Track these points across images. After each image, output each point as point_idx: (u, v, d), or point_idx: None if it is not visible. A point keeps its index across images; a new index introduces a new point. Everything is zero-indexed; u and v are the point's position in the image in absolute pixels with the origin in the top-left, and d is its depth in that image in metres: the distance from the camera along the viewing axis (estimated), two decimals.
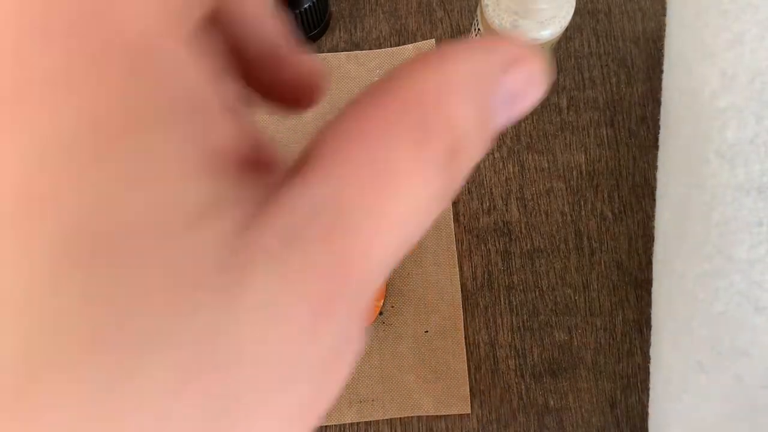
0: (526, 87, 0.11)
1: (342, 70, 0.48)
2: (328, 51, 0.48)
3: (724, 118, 0.37)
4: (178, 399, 0.08)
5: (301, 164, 0.10)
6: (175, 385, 0.08)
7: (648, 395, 0.42)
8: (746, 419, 0.35)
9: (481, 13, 0.40)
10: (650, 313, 0.40)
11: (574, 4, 0.39)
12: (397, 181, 0.10)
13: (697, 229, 0.37)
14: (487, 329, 0.44)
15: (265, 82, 0.14)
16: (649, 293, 0.43)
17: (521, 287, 0.44)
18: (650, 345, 0.40)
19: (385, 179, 0.10)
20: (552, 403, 0.43)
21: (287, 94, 0.14)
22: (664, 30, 0.42)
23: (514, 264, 0.45)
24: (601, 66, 0.48)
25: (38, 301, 0.08)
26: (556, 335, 0.44)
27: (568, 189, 0.46)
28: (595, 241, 0.45)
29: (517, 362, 0.43)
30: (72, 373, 0.08)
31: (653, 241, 0.41)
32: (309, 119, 0.47)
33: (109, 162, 0.08)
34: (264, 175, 0.10)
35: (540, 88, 0.11)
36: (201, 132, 0.09)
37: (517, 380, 0.43)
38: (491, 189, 0.46)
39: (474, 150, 0.11)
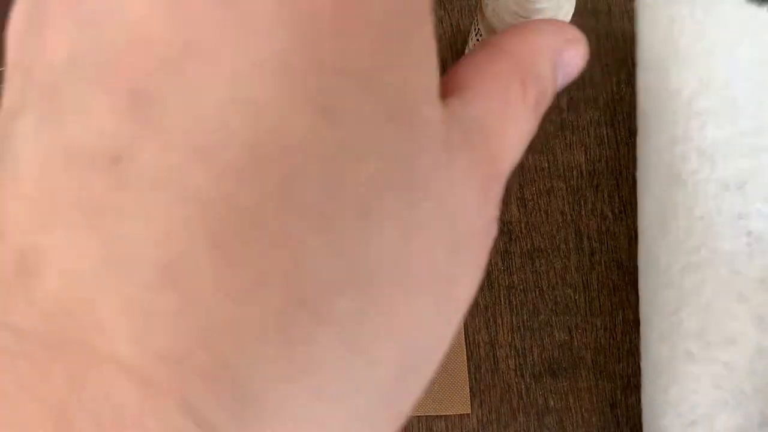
0: (576, 59, 0.15)
1: None
2: None
3: (702, 120, 0.39)
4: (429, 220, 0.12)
5: (452, 85, 0.14)
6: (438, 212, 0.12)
7: None
8: (737, 406, 0.36)
9: (481, 12, 0.40)
10: None
11: (574, 3, 0.39)
12: (512, 114, 0.14)
13: (680, 223, 0.38)
14: (487, 329, 0.44)
15: None
16: None
17: (521, 287, 0.44)
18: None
19: (507, 111, 0.14)
20: (552, 403, 0.43)
21: None
22: None
23: (514, 264, 0.45)
24: (601, 66, 0.48)
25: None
26: (556, 335, 0.44)
27: (568, 189, 0.46)
28: (595, 241, 0.45)
29: (517, 362, 0.43)
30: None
31: None
32: None
33: (409, 49, 0.11)
34: None
35: (583, 62, 0.16)
36: None
37: (517, 380, 0.43)
38: None
39: (546, 101, 0.15)
